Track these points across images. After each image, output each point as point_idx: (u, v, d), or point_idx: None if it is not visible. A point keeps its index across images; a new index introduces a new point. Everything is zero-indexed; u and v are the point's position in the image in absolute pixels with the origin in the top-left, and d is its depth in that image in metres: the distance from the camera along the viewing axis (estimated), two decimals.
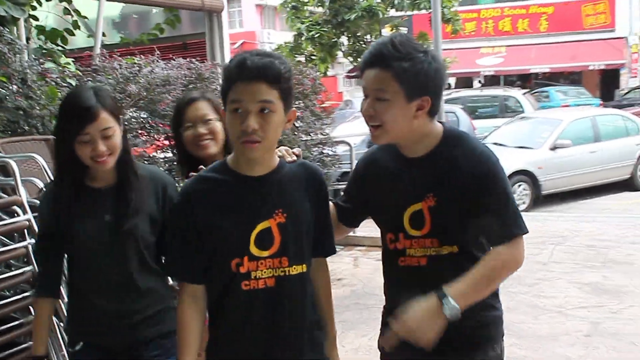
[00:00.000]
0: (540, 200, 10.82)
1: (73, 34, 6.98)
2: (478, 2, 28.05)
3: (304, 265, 2.10)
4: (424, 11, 12.41)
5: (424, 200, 2.12)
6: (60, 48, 6.26)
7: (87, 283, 2.38)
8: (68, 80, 4.57)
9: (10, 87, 4.23)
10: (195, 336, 2.11)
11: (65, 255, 2.43)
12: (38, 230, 2.47)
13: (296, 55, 12.15)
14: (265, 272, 2.05)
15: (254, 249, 2.04)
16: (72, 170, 2.30)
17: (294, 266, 2.07)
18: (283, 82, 1.99)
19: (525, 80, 27.56)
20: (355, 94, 29.17)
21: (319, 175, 2.21)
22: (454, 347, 2.13)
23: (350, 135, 9.59)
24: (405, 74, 2.02)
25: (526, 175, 10.70)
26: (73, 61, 5.22)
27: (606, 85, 26.42)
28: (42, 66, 4.50)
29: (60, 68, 4.64)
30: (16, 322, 3.34)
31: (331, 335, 2.27)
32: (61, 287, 2.53)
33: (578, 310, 5.43)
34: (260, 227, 2.04)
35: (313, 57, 11.32)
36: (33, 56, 4.53)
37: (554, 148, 11.10)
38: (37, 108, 4.21)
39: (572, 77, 27.79)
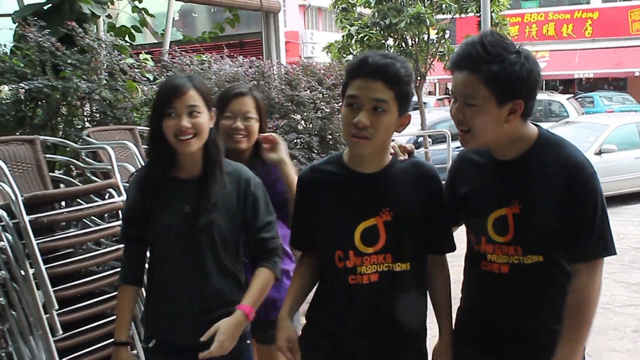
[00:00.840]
0: None
1: (140, 31, 7.32)
2: (522, 6, 27.91)
3: (408, 263, 2.10)
4: (470, 14, 12.54)
5: (509, 207, 2.04)
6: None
7: (162, 276, 2.36)
8: (147, 75, 4.88)
9: (97, 80, 4.54)
10: (296, 295, 2.24)
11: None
12: (123, 215, 2.51)
13: (344, 55, 12.40)
14: (369, 267, 2.08)
15: (359, 245, 2.08)
16: (161, 156, 2.29)
17: (398, 263, 2.09)
18: (401, 85, 2.02)
19: (568, 86, 27.38)
20: None
21: (432, 174, 2.19)
22: None
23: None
24: (495, 78, 1.93)
25: None
26: (151, 57, 5.54)
27: None
28: (123, 61, 4.81)
29: (139, 63, 4.96)
30: (107, 296, 3.55)
31: (447, 332, 2.22)
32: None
33: (625, 307, 5.58)
34: (365, 224, 2.08)
35: None
36: (116, 52, 4.84)
37: (599, 153, 11.13)
38: (121, 100, 4.53)
39: (616, 83, 27.51)
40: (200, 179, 2.31)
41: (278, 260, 2.40)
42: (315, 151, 6.46)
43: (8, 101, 4.49)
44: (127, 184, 3.43)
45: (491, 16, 11.24)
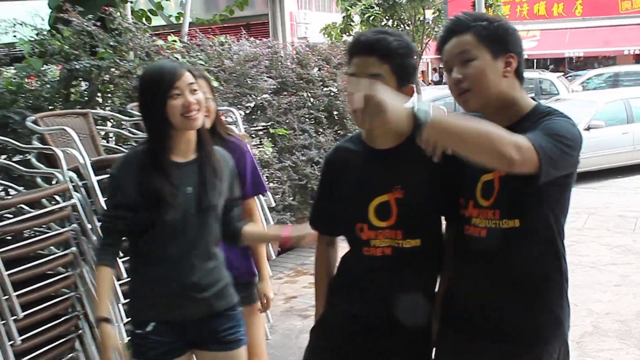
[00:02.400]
0: (575, 177, 11.43)
1: (156, 15, 7.78)
2: None
3: (419, 239, 2.15)
4: None
5: (497, 170, 1.99)
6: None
7: (168, 256, 2.38)
8: (175, 55, 5.36)
9: (134, 61, 5.03)
10: (323, 283, 2.40)
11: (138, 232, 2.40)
12: (110, 199, 2.49)
13: (343, 35, 12.90)
14: (383, 241, 2.15)
15: (373, 219, 2.15)
16: (162, 139, 2.33)
17: (408, 240, 2.14)
18: (395, 57, 2.06)
19: (558, 64, 27.84)
20: None
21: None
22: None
23: None
24: (485, 31, 1.99)
25: None
26: (180, 39, 6.01)
27: None
28: (155, 43, 5.29)
29: (168, 44, 5.43)
30: (61, 276, 3.61)
31: None
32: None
33: (609, 266, 6.15)
34: (378, 199, 2.15)
35: None
36: (148, 34, 5.32)
37: (588, 128, 11.61)
38: None
39: (606, 62, 28.00)
40: (197, 161, 2.40)
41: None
42: (324, 126, 6.97)
43: (56, 79, 4.96)
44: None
45: None
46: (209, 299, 2.43)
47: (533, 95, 16.88)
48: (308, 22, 32.23)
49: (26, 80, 5.00)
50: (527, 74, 13.28)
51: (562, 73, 21.85)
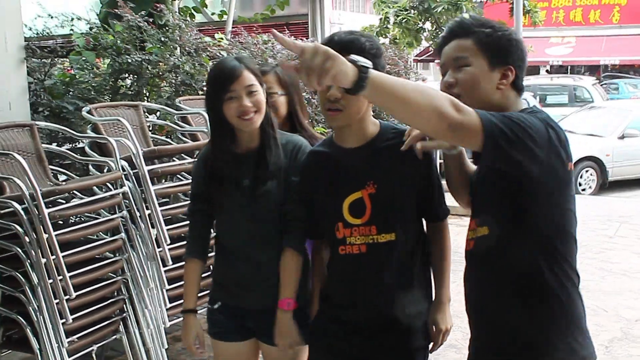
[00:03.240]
0: (606, 186, 11.43)
1: (200, 12, 7.97)
2: None
3: (394, 233, 2.17)
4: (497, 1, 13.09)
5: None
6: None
7: (229, 245, 2.50)
8: (222, 52, 5.53)
9: (184, 57, 5.21)
10: (315, 284, 2.45)
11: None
12: (191, 192, 2.66)
13: (380, 38, 13.01)
14: (358, 238, 2.19)
15: (348, 217, 2.19)
16: (223, 135, 2.40)
17: (383, 234, 2.17)
18: (367, 58, 1.89)
19: (594, 72, 27.60)
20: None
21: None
22: None
23: None
24: (487, 39, 1.94)
25: (594, 162, 11.32)
26: (225, 37, 6.19)
27: None
28: (203, 40, 5.47)
29: (215, 42, 5.61)
30: (110, 260, 3.78)
31: (438, 299, 2.31)
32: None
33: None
34: (352, 197, 2.18)
35: (397, 41, 12.19)
36: (196, 30, 5.50)
37: (622, 137, 11.64)
38: (202, 72, 5.20)
39: None
40: (257, 151, 2.42)
41: (300, 234, 2.43)
42: None
43: (107, 72, 5.16)
44: None
45: (523, 3, 11.75)
46: (262, 293, 2.46)
47: (566, 101, 16.86)
48: (342, 23, 32.41)
49: (80, 72, 5.21)
50: (562, 80, 13.34)
51: (597, 80, 21.68)
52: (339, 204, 2.19)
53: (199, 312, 2.64)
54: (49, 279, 3.23)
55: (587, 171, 11.27)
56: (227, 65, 2.38)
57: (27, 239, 3.24)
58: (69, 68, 5.04)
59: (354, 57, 1.64)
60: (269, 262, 2.44)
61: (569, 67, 27.98)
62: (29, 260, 3.27)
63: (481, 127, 1.68)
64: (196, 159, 2.63)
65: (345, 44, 2.08)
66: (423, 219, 2.32)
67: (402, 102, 1.66)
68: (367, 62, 1.63)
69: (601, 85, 20.71)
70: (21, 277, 3.32)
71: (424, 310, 2.29)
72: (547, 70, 28.15)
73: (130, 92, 5.28)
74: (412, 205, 2.20)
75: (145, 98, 5.34)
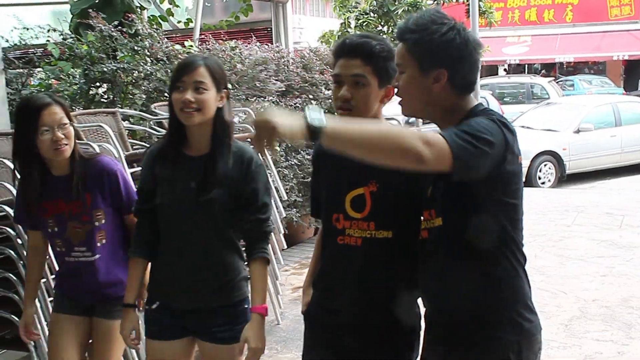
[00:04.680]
0: (564, 179, 11.89)
1: (166, 20, 8.14)
2: None
3: (391, 232, 2.22)
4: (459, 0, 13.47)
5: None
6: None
7: (167, 246, 2.50)
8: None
9: (156, 65, 5.41)
10: (313, 262, 2.52)
11: None
12: (137, 189, 2.66)
13: None
14: (356, 231, 2.25)
15: (349, 210, 2.26)
16: (172, 131, 2.43)
17: (381, 231, 2.22)
18: (377, 60, 2.18)
19: (549, 70, 28.28)
20: None
21: None
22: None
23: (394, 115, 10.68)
24: (415, 45, 1.98)
25: (552, 156, 11.76)
26: (194, 45, 6.38)
27: (630, 75, 27.02)
28: (172, 48, 5.66)
29: (185, 49, 5.81)
30: None
31: None
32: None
33: (596, 259, 6.54)
34: (355, 192, 2.25)
35: None
36: (165, 39, 5.69)
37: (577, 131, 12.09)
38: None
39: (596, 67, 28.43)
40: (207, 156, 2.41)
41: (268, 247, 2.52)
42: None
43: (82, 81, 5.33)
44: None
45: (478, 4, 12.13)
46: (203, 293, 2.48)
47: (523, 99, 17.27)
48: (302, 27, 32.64)
49: (52, 81, 5.36)
50: (519, 79, 13.83)
51: (553, 78, 22.27)
52: (342, 197, 2.26)
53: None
54: (43, 278, 3.37)
55: (545, 165, 11.68)
56: (188, 58, 2.48)
57: (19, 241, 3.39)
58: (52, 78, 5.18)
59: (308, 112, 1.69)
60: (207, 266, 2.47)
61: (526, 66, 28.60)
62: (21, 262, 3.41)
63: (450, 154, 1.73)
64: (147, 154, 2.60)
65: (356, 46, 2.20)
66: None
67: (364, 149, 1.74)
68: (319, 118, 1.67)
69: (557, 82, 21.29)
70: (15, 278, 3.47)
71: (411, 309, 2.32)
72: (504, 69, 28.76)
73: (104, 100, 5.44)
74: (413, 205, 2.18)
75: (119, 105, 5.51)
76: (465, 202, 1.94)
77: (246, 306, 2.52)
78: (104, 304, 2.81)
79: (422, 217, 2.11)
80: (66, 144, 2.63)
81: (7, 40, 5.51)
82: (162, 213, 2.47)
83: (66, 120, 2.64)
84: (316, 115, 1.68)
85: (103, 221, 2.75)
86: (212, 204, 2.40)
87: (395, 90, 2.13)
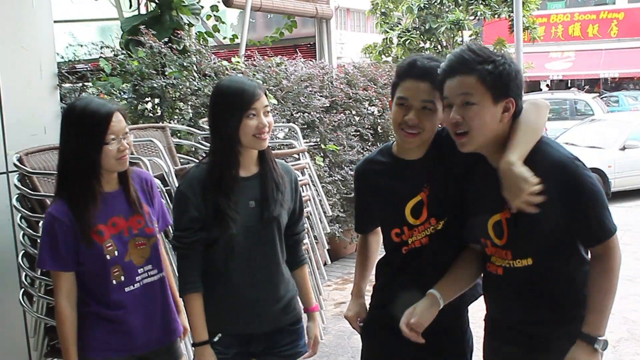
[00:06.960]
0: (610, 197, 11.65)
1: (212, 37, 8.25)
2: (548, 7, 28.39)
3: (446, 219, 2.34)
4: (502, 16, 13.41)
5: (502, 212, 2.14)
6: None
7: (234, 270, 2.43)
8: (239, 75, 5.82)
9: (204, 80, 5.51)
10: (359, 266, 2.67)
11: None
12: (180, 219, 2.44)
13: (382, 56, 13.35)
14: (420, 234, 2.34)
15: (410, 219, 2.34)
16: (233, 156, 2.39)
17: (440, 222, 2.34)
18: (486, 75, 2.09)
19: (593, 85, 27.90)
20: None
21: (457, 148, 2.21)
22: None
23: None
24: (490, 76, 2.03)
25: (597, 173, 11.53)
26: (241, 61, 6.49)
27: None
28: (221, 64, 5.77)
29: (232, 65, 5.90)
30: None
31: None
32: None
33: None
34: (413, 201, 2.33)
35: (399, 60, 12.58)
36: (213, 55, 5.80)
37: (623, 148, 11.87)
38: None
39: None
40: (260, 175, 2.46)
41: (302, 249, 2.74)
42: (370, 142, 7.38)
43: (132, 96, 5.45)
44: None
45: (522, 20, 12.08)
46: (275, 314, 2.51)
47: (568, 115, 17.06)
48: (343, 42, 32.85)
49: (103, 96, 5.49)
50: (563, 95, 13.65)
51: (598, 94, 21.97)
52: (401, 210, 2.32)
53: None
54: None
55: None
56: (247, 84, 2.41)
57: None
58: (100, 92, 5.31)
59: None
60: (277, 284, 2.51)
61: (569, 81, 28.27)
62: None
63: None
64: (189, 182, 2.44)
65: (427, 70, 2.21)
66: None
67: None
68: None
69: (601, 98, 20.99)
70: None
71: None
72: (547, 85, 28.47)
73: (152, 115, 5.56)
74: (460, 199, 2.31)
75: (167, 120, 5.62)
76: (558, 243, 2.15)
77: (302, 324, 2.67)
78: (162, 351, 2.62)
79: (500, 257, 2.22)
80: (129, 154, 2.47)
81: (62, 57, 5.65)
82: (226, 238, 2.39)
83: (128, 129, 2.48)
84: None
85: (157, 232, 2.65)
86: (273, 221, 2.45)
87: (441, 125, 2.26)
